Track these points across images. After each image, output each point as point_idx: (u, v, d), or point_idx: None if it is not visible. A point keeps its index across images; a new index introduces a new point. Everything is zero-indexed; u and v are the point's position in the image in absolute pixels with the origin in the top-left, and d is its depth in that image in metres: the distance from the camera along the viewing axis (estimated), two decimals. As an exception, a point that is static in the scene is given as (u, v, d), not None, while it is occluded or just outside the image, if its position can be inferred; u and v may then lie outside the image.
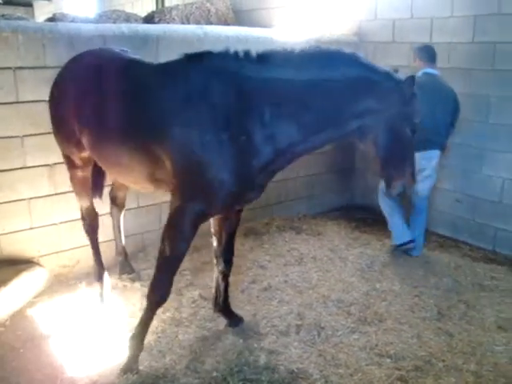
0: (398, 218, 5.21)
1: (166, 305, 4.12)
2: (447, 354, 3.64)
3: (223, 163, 3.11)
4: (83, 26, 4.65)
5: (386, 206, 5.28)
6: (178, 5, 7.71)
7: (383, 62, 4.78)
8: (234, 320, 3.95)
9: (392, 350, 3.66)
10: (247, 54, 3.17)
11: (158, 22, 6.94)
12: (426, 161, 4.94)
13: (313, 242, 5.52)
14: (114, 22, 6.29)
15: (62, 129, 3.88)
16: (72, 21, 5.99)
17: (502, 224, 5.42)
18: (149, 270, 4.70)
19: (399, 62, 5.38)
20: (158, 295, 3.41)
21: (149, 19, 7.11)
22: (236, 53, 3.19)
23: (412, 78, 3.05)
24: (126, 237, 4.71)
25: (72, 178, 4.13)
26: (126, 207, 4.71)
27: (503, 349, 3.72)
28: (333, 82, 3.03)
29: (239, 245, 5.28)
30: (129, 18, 6.90)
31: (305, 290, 4.47)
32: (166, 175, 3.27)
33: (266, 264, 4.94)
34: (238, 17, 8.07)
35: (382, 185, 5.26)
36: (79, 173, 4.05)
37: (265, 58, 3.15)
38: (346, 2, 6.63)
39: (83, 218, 4.24)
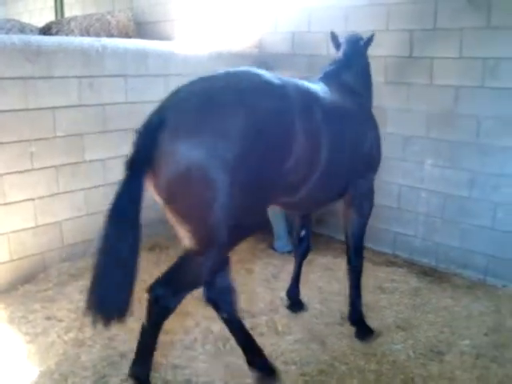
0: (282, 229, 5.78)
1: (67, 325, 4.04)
2: (350, 357, 3.76)
3: None
4: (-32, 36, 4.43)
5: (272, 217, 5.73)
6: (76, 16, 7.52)
7: (284, 73, 4.92)
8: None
9: (297, 356, 3.73)
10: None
11: (56, 34, 6.74)
12: None
13: (218, 253, 5.50)
14: (7, 33, 6.05)
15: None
16: (-41, 31, 5.70)
17: (401, 228, 5.68)
18: (50, 292, 4.55)
19: (298, 73, 5.51)
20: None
21: (46, 30, 6.89)
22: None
23: (373, 35, 4.42)
24: (23, 258, 4.54)
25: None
26: (23, 226, 4.54)
27: (401, 347, 3.90)
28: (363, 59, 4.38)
29: (144, 260, 5.18)
30: (24, 28, 6.67)
31: (209, 304, 4.45)
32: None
33: (170, 278, 4.88)
34: (141, 29, 7.99)
35: None
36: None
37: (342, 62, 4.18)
38: (248, 15, 6.75)
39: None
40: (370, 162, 4.04)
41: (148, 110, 5.43)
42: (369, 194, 4.11)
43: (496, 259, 5.03)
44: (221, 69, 3.02)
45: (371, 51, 4.92)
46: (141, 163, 2.60)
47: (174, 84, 5.57)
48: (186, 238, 2.83)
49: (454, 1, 4.97)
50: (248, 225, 2.89)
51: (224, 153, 2.53)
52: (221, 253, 2.92)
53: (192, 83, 2.83)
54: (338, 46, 4.45)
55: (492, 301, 4.64)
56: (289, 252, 5.63)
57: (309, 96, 3.28)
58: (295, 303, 4.45)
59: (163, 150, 2.55)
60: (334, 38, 4.43)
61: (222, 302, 3.24)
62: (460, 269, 5.29)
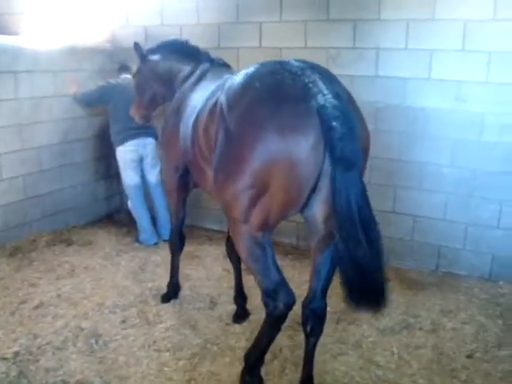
0: (146, 222, 5.80)
1: None
2: (221, 338, 3.91)
3: None
4: None
5: (135, 210, 5.83)
6: None
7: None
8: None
9: (169, 343, 3.81)
10: None
11: None
12: (142, 148, 5.70)
13: (84, 252, 5.44)
14: None
15: None
16: None
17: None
18: None
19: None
20: None
21: None
22: None
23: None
24: None
25: None
26: None
27: (271, 323, 4.11)
28: None
29: (5, 265, 5.01)
30: None
31: (79, 301, 4.40)
32: None
33: (36, 281, 4.74)
34: (-20, 23, 7.49)
35: (128, 190, 5.76)
36: None
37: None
38: (99, 8, 6.61)
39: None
40: None
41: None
42: None
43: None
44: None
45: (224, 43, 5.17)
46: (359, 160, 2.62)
47: (25, 81, 5.47)
48: None
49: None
50: None
51: None
52: None
53: (330, 85, 2.76)
54: (143, 56, 4.66)
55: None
56: (154, 244, 5.71)
57: None
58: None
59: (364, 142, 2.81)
60: (138, 48, 4.64)
61: None
62: (319, 245, 5.65)
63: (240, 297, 4.28)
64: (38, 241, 5.60)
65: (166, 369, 3.53)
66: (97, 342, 3.81)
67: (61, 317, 4.16)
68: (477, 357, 3.70)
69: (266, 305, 2.95)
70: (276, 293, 2.89)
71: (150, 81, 4.69)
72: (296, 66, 2.82)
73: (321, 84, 2.67)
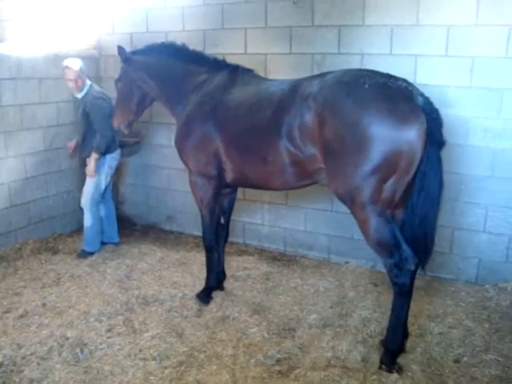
0: (96, 231, 5.63)
1: None
2: (208, 345, 3.88)
3: None
4: None
5: (88, 218, 5.58)
6: None
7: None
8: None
9: (155, 352, 3.77)
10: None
11: None
12: (116, 160, 5.66)
13: (70, 260, 5.41)
14: None
15: None
16: None
17: (248, 218, 5.94)
18: None
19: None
20: None
21: None
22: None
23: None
24: None
25: None
26: None
27: (256, 329, 4.09)
28: None
29: (-12, 274, 4.96)
30: None
31: (64, 310, 4.36)
32: None
33: (21, 290, 4.70)
34: (-36, 30, 7.43)
35: (97, 196, 5.60)
36: None
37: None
38: (85, 16, 6.59)
39: None
40: None
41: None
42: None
43: (338, 238, 5.46)
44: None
45: (210, 49, 5.19)
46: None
47: (10, 88, 5.41)
48: None
49: (282, 1, 5.32)
50: None
51: None
52: None
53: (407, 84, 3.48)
54: (127, 58, 4.67)
55: (336, 277, 5.04)
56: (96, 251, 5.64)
57: None
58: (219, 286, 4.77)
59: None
60: (121, 50, 4.67)
61: None
62: (306, 250, 5.67)
63: (221, 275, 4.76)
64: (23, 249, 5.57)
65: (151, 378, 3.50)
66: (82, 352, 3.77)
67: (46, 326, 4.12)
68: (464, 361, 3.70)
69: (395, 276, 3.44)
70: (407, 260, 3.41)
71: (138, 82, 4.67)
72: (376, 72, 3.52)
73: (414, 87, 3.44)
